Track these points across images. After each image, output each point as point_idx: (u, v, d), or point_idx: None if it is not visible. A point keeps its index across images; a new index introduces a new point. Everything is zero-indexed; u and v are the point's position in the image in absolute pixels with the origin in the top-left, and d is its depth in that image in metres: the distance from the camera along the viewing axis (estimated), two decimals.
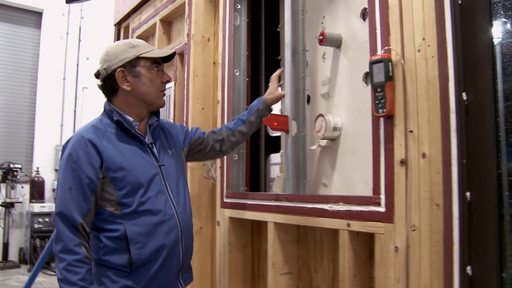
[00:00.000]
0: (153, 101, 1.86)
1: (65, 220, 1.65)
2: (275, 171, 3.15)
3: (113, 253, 1.71)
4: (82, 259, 1.62)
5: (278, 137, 2.85)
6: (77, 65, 9.02)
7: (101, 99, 1.90)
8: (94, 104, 8.37)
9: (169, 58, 1.90)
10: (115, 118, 1.79)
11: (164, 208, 1.78)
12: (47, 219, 7.69)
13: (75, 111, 8.88)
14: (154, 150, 1.87)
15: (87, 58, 8.98)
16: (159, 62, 1.87)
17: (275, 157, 3.27)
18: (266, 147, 2.95)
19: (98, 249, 1.73)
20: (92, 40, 8.95)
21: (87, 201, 1.68)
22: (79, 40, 9.09)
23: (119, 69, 1.79)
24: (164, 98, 1.92)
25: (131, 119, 1.82)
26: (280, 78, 2.26)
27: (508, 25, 1.54)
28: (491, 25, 1.49)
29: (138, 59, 1.81)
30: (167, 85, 2.01)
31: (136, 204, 1.72)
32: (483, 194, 1.45)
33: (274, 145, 2.96)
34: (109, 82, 1.82)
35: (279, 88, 2.30)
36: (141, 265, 1.71)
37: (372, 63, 1.69)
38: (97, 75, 1.86)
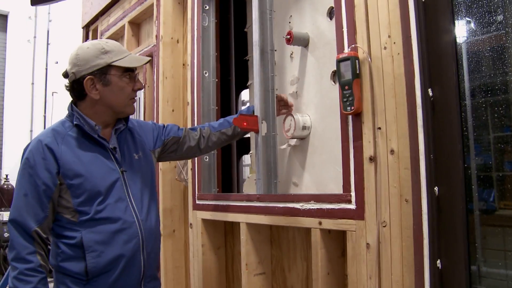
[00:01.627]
0: (122, 109, 1.78)
1: (19, 228, 1.61)
2: (248, 172, 3.14)
3: (70, 260, 1.65)
4: (35, 267, 1.59)
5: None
6: (46, 69, 8.86)
7: None
8: (65, 108, 8.22)
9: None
10: (75, 122, 1.72)
11: (124, 215, 1.71)
12: None
13: (44, 116, 8.71)
14: (117, 155, 1.79)
15: (56, 62, 8.82)
16: (132, 69, 1.77)
17: (248, 158, 3.25)
18: (238, 148, 2.93)
19: (56, 255, 1.68)
20: (61, 43, 8.78)
21: (44, 208, 1.64)
22: (48, 43, 8.92)
23: (88, 76, 1.68)
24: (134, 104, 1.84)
25: (94, 123, 1.74)
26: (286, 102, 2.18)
27: (471, 23, 1.57)
28: (454, 23, 1.51)
29: (109, 66, 1.70)
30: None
31: (93, 212, 1.66)
32: (451, 188, 1.47)
33: (246, 146, 2.95)
34: (76, 87, 1.72)
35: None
36: (98, 274, 1.65)
37: (339, 61, 1.69)
38: (65, 75, 1.76)
